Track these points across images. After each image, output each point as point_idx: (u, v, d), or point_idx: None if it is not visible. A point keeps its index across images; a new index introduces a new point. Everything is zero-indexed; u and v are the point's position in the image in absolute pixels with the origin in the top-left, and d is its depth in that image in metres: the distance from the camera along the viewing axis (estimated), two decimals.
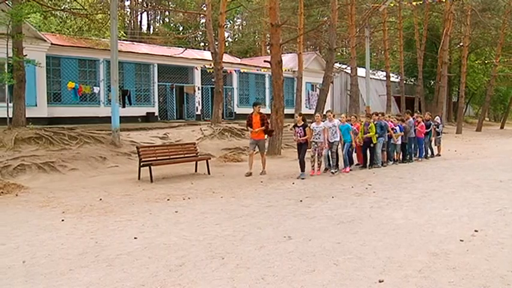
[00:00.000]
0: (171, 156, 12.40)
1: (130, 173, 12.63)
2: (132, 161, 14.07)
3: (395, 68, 42.72)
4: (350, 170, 12.95)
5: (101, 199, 9.08)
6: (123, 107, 20.03)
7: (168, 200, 8.97)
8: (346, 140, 12.90)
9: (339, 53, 42.88)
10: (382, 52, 41.15)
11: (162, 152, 12.48)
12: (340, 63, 38.43)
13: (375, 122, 13.70)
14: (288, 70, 29.96)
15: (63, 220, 7.30)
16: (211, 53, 22.42)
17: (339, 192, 9.68)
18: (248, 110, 25.14)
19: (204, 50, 37.99)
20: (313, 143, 12.31)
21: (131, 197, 9.33)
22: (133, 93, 22.95)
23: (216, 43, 22.32)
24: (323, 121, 12.62)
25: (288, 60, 31.26)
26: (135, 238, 6.17)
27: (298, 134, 11.97)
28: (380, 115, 14.28)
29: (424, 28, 38.24)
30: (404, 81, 39.57)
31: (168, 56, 24.79)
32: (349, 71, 33.36)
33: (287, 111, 20.82)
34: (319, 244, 5.77)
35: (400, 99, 37.84)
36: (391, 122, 14.77)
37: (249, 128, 12.66)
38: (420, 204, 8.28)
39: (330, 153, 12.59)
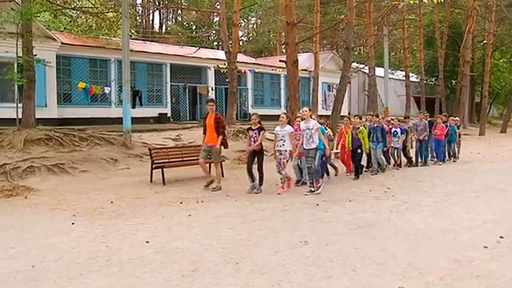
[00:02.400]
0: (184, 158, 12.42)
1: (142, 175, 12.70)
2: (144, 163, 14.15)
3: (415, 68, 42.41)
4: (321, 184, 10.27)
5: (112, 202, 9.14)
6: (133, 107, 20.18)
7: (181, 203, 8.99)
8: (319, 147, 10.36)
9: (356, 52, 42.65)
10: (401, 51, 40.91)
11: (175, 153, 12.52)
12: (357, 63, 38.27)
13: (376, 126, 12.79)
14: (304, 70, 29.91)
15: (73, 223, 7.36)
16: (225, 52, 22.51)
17: (356, 195, 9.61)
18: (263, 111, 25.40)
19: (218, 49, 38.10)
20: (277, 151, 10.15)
21: (143, 200, 9.37)
22: (145, 93, 23.13)
23: (230, 42, 22.40)
24: (314, 120, 10.65)
25: (304, 60, 31.19)
26: (147, 242, 6.20)
27: (252, 139, 10.04)
28: (374, 117, 13.18)
29: (445, 25, 37.79)
30: (425, 81, 39.26)
31: (180, 55, 24.94)
32: (367, 71, 33.24)
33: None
34: (337, 249, 5.73)
35: (420, 100, 37.53)
36: (386, 124, 13.87)
37: (203, 135, 10.68)
38: (441, 208, 8.19)
39: (302, 164, 10.50)
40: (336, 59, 34.05)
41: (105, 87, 21.30)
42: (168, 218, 7.69)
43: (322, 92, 32.33)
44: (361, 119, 13.22)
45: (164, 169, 11.50)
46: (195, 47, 29.09)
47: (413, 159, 14.77)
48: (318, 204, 8.67)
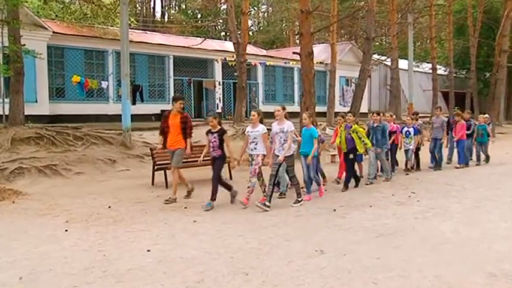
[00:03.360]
0: (189, 160, 12.43)
1: (142, 177, 12.75)
2: (145, 165, 14.21)
3: (443, 59, 41.97)
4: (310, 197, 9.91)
5: (109, 207, 9.18)
6: (133, 103, 20.26)
7: (186, 208, 9.01)
8: (304, 153, 10.01)
9: (377, 43, 42.57)
10: (428, 41, 40.60)
11: None
12: (378, 55, 38.10)
13: (376, 125, 12.05)
14: (320, 63, 29.85)
15: (66, 230, 7.38)
16: (234, 43, 22.52)
17: (377, 200, 9.58)
18: (275, 108, 25.12)
19: (226, 40, 38.16)
20: (249, 156, 9.41)
21: (144, 205, 9.40)
22: (146, 88, 23.20)
23: (239, 32, 22.42)
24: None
25: (320, 52, 31.14)
26: (148, 251, 6.22)
27: (212, 144, 9.22)
28: (381, 115, 12.47)
29: (479, 11, 37.01)
30: (454, 74, 38.82)
31: (185, 47, 24.98)
32: (389, 63, 33.07)
33: (319, 109, 20.72)
34: (356, 259, 5.71)
35: (448, 95, 37.15)
36: (394, 123, 13.52)
37: (161, 137, 9.98)
38: (473, 215, 8.12)
39: (278, 172, 9.32)
40: (355, 51, 33.93)
41: (102, 82, 21.34)
42: (171, 224, 7.71)
43: (340, 87, 32.22)
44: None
45: (167, 171, 11.52)
46: (200, 37, 29.13)
47: (413, 164, 13.96)
48: (335, 210, 8.66)
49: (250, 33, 43.93)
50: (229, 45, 27.90)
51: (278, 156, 9.00)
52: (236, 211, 8.71)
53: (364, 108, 29.16)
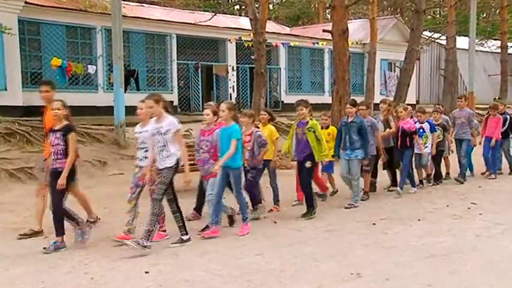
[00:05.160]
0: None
1: None
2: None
3: None
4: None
5: (99, 218, 9.21)
6: (125, 91, 20.22)
7: (190, 220, 9.04)
8: (232, 165, 8.20)
9: (429, 16, 42.07)
10: (497, 11, 39.97)
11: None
12: (430, 31, 37.72)
13: (350, 121, 10.29)
14: (357, 43, 29.73)
15: (45, 248, 7.39)
16: (250, 19, 22.50)
17: (428, 212, 9.54)
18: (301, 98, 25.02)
19: (240, 15, 38.24)
20: (136, 167, 8.25)
21: (141, 216, 9.44)
22: (143, 74, 23.24)
23: (257, 6, 22.39)
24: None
25: (357, 29, 30.98)
26: (146, 272, 6.27)
27: (53, 149, 7.71)
28: (349, 107, 10.48)
29: None
30: None
31: (190, 23, 25.01)
32: (443, 42, 32.71)
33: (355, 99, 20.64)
34: (401, 286, 5.70)
35: None
36: (400, 117, 11.72)
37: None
38: None
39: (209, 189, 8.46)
40: (401, 27, 33.72)
41: (89, 66, 21.29)
42: (175, 239, 7.74)
43: (381, 73, 32.07)
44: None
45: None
46: (209, 12, 29.23)
47: (431, 171, 12.89)
48: (374, 224, 8.65)
49: (271, 6, 43.89)
50: (244, 22, 27.95)
51: (163, 169, 7.48)
52: (253, 224, 8.68)
53: (411, 99, 28.93)
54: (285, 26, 35.58)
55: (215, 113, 8.49)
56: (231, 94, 26.37)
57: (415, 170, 12.22)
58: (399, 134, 11.45)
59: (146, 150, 7.98)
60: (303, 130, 9.44)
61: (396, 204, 10.31)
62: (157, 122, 7.59)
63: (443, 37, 32.48)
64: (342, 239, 7.73)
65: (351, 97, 17.33)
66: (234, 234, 8.09)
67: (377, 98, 27.15)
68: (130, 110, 17.71)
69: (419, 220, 8.91)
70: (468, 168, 13.62)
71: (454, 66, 29.45)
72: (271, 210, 9.87)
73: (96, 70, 21.45)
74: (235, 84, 26.68)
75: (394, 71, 32.35)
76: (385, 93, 31.39)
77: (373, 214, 9.42)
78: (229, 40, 26.23)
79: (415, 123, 12.06)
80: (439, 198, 10.98)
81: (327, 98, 23.43)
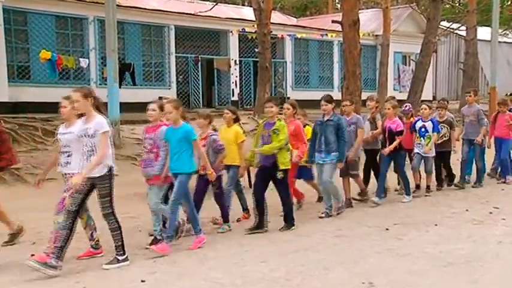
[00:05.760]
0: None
1: (135, 185, 12.74)
2: (139, 168, 14.24)
3: None
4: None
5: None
6: (119, 87, 20.19)
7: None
8: (173, 169, 7.84)
9: (447, 5, 41.88)
10: None
11: None
12: (449, 21, 37.62)
13: (327, 119, 9.59)
14: (369, 34, 29.69)
15: (33, 255, 7.27)
16: (254, 9, 22.52)
17: (446, 217, 9.50)
18: (308, 95, 25.18)
19: (244, 5, 38.23)
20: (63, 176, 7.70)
21: (137, 221, 9.47)
22: (139, 68, 23.28)
23: None
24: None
25: (369, 20, 31.02)
26: (142, 281, 6.27)
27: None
28: (324, 104, 9.69)
29: None
30: None
31: (190, 14, 25.06)
32: (463, 33, 32.61)
33: (366, 96, 20.60)
34: None
35: None
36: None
37: None
38: None
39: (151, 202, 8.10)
40: (416, 17, 33.70)
41: (81, 59, 21.30)
42: (173, 246, 7.72)
43: (395, 67, 32.08)
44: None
45: None
46: (210, 2, 29.24)
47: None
48: (387, 229, 8.62)
49: None
50: (248, 12, 28.00)
51: (95, 179, 6.93)
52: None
53: (427, 95, 28.86)
54: (292, 16, 35.59)
55: (162, 108, 7.92)
56: (233, 90, 26.42)
57: (421, 175, 11.81)
58: (386, 135, 10.74)
59: (69, 155, 7.40)
60: (268, 132, 8.69)
61: (411, 208, 10.28)
62: (85, 122, 7.09)
63: (463, 27, 32.37)
64: (352, 245, 7.71)
65: (362, 92, 17.39)
66: (235, 239, 8.09)
67: (390, 94, 27.14)
68: (126, 107, 17.94)
69: (436, 225, 8.88)
70: (471, 172, 13.12)
71: (475, 59, 29.38)
72: (239, 219, 9.60)
73: (88, 64, 21.44)
74: (237, 79, 26.72)
75: (409, 65, 32.32)
76: (398, 88, 31.44)
77: (386, 218, 9.39)
78: (232, 32, 26.26)
79: (417, 120, 11.64)
80: (457, 201, 10.94)
81: (336, 94, 23.33)
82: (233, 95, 26.27)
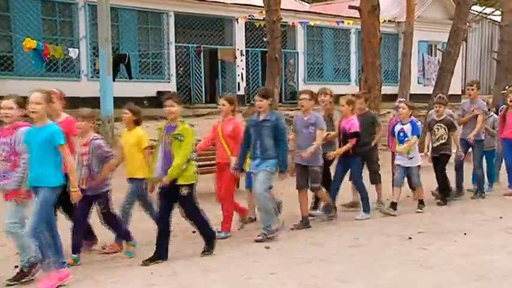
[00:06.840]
0: (199, 163, 12.50)
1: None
2: None
3: None
4: None
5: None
6: (113, 80, 20.24)
7: (194, 232, 9.04)
8: (42, 183, 6.75)
9: None
10: None
11: None
12: (481, 6, 37.54)
13: (262, 119, 8.80)
14: (390, 21, 29.66)
15: (17, 267, 7.34)
16: None
17: (476, 225, 9.50)
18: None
19: None
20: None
21: (133, 228, 9.48)
22: (135, 59, 23.29)
23: None
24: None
25: (390, 5, 30.96)
26: None
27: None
28: (258, 100, 8.93)
29: None
30: None
31: (191, 0, 25.07)
32: (497, 19, 32.49)
33: (387, 90, 20.60)
34: None
35: None
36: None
37: None
38: None
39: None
40: (444, 1, 33.59)
41: (70, 49, 21.23)
42: (172, 255, 7.78)
43: (419, 57, 31.97)
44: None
45: None
46: None
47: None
48: (410, 238, 8.63)
49: None
50: None
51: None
52: None
53: (455, 89, 28.75)
54: (304, 1, 35.53)
55: (20, 105, 7.07)
56: (239, 83, 26.39)
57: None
58: (341, 136, 10.13)
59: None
60: (169, 138, 7.88)
61: (437, 215, 10.29)
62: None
63: (497, 12, 32.27)
64: (371, 256, 7.71)
65: (382, 86, 17.40)
66: (241, 248, 8.12)
67: (414, 88, 27.16)
68: (120, 102, 17.94)
69: (465, 234, 8.86)
70: (490, 179, 12.75)
71: (510, 48, 29.20)
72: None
73: (78, 54, 21.31)
74: (244, 71, 26.69)
75: (435, 55, 32.24)
76: (423, 81, 31.33)
77: (409, 226, 9.41)
78: (238, 19, 26.23)
79: (396, 123, 11.02)
80: (490, 207, 10.93)
81: (353, 88, 23.36)
82: (239, 89, 26.24)
